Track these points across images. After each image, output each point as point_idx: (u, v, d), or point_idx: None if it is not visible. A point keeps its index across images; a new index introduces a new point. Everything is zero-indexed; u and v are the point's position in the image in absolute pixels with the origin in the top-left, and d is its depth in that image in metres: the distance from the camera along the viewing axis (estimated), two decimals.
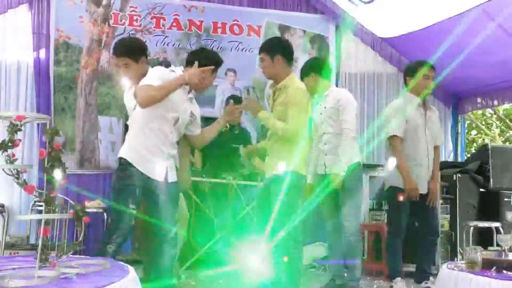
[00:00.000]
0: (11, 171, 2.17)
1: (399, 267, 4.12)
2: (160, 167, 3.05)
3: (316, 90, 3.99)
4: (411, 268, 4.38)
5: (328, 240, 4.25)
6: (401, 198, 3.99)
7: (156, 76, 2.99)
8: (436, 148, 4.23)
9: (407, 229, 4.12)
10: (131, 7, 5.75)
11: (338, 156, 3.87)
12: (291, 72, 3.64)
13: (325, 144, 4.00)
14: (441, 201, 4.84)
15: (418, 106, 4.12)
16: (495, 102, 6.27)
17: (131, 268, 2.28)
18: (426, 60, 4.17)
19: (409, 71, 4.18)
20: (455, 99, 6.56)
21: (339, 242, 4.01)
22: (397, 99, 4.41)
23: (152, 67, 4.47)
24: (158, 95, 2.89)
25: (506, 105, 10.62)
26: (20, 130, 2.19)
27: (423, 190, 4.05)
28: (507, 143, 12.09)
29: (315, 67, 4.10)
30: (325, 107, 4.01)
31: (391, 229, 4.19)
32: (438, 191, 4.34)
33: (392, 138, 4.07)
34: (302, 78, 4.01)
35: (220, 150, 4.85)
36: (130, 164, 2.99)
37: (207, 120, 5.80)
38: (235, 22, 6.03)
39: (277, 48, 3.62)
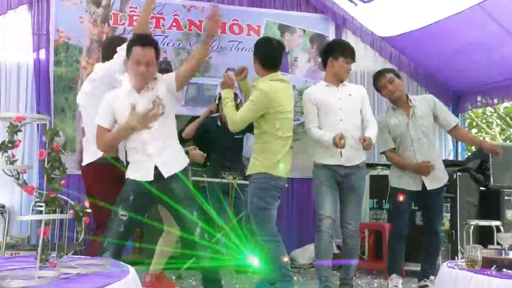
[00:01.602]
0: (12, 171, 2.17)
1: (397, 265, 4.14)
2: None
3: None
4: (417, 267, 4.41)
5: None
6: (401, 198, 3.99)
7: (103, 113, 3.07)
8: (454, 129, 4.16)
9: (411, 229, 4.15)
10: (130, 7, 5.75)
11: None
12: (268, 74, 3.61)
13: None
14: None
15: (395, 111, 4.12)
16: (495, 101, 6.26)
17: (131, 268, 2.28)
18: (386, 68, 4.28)
19: (374, 84, 4.23)
20: (455, 97, 6.56)
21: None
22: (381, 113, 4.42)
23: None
24: (110, 144, 3.10)
25: (506, 104, 10.61)
26: (20, 131, 2.19)
27: (432, 186, 4.05)
28: (508, 142, 12.09)
29: None
30: None
31: (392, 228, 4.22)
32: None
33: (384, 153, 4.17)
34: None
35: (222, 150, 4.87)
36: None
37: (209, 118, 5.86)
38: (235, 21, 6.03)
39: (255, 51, 3.70)
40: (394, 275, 4.11)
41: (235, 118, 3.50)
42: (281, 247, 3.53)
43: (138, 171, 3.08)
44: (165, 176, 3.07)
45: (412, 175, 4.04)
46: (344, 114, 3.78)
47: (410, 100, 4.09)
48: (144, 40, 3.02)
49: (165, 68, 4.42)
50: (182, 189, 3.12)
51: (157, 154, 3.07)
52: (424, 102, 4.14)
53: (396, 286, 4.07)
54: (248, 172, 3.63)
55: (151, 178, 3.05)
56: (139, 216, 3.15)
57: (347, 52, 3.87)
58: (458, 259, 3.32)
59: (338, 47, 3.94)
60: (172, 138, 3.19)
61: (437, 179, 4.08)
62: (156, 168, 3.05)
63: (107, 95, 3.12)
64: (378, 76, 4.17)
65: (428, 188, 4.03)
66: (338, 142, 3.50)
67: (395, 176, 4.11)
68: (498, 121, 12.67)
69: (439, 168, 4.10)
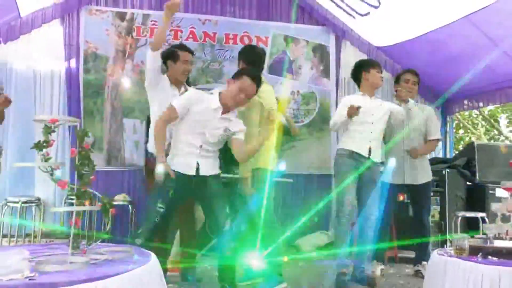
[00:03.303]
0: (46, 168, 2.19)
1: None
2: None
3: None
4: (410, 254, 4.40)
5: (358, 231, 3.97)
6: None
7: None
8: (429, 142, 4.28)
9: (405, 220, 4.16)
10: (151, 21, 5.77)
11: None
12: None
13: None
14: (431, 194, 4.82)
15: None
16: (481, 104, 6.22)
17: (153, 255, 2.29)
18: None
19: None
20: (444, 101, 6.51)
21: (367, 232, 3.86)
22: None
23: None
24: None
25: (491, 107, 10.54)
26: (53, 131, 2.20)
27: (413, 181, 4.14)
28: (492, 141, 11.99)
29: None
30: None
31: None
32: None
33: None
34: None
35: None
36: None
37: None
38: (245, 33, 6.03)
39: (241, 56, 3.71)
40: (374, 262, 4.09)
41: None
42: None
43: (181, 165, 3.08)
44: (203, 174, 3.10)
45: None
46: (374, 118, 3.83)
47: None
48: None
49: None
50: (217, 186, 3.16)
51: (204, 155, 3.10)
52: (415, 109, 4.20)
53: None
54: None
55: (193, 173, 3.07)
56: (175, 210, 3.17)
57: (376, 64, 3.96)
58: (447, 247, 3.30)
59: (366, 62, 4.11)
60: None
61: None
62: (197, 165, 3.09)
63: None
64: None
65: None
66: (351, 108, 3.58)
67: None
68: (483, 122, 12.58)
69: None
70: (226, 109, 3.10)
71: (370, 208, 3.78)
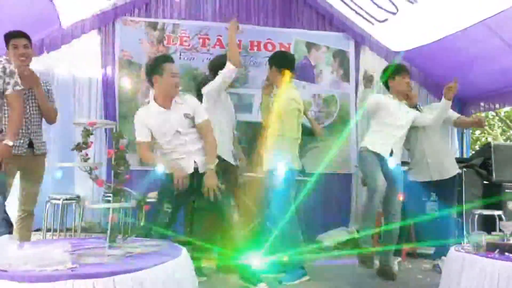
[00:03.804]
0: (85, 168, 2.23)
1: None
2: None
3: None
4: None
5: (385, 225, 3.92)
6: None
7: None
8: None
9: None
10: (181, 30, 5.82)
11: None
12: (287, 82, 3.62)
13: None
14: None
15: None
16: (497, 106, 6.09)
17: (183, 249, 2.31)
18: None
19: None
20: (461, 103, 6.39)
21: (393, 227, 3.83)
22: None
23: (200, 79, 4.53)
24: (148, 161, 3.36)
25: (507, 108, 10.28)
26: (92, 134, 2.26)
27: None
28: (508, 141, 11.71)
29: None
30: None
31: None
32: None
33: None
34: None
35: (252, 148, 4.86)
36: None
37: (246, 124, 5.86)
38: (269, 40, 6.03)
39: (274, 61, 3.69)
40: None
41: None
42: None
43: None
44: (201, 171, 3.13)
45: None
46: (400, 123, 3.82)
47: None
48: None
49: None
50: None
51: (194, 153, 3.14)
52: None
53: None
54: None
55: (191, 171, 3.11)
56: (182, 207, 3.20)
57: (401, 69, 3.87)
58: (464, 244, 3.23)
59: (391, 68, 3.94)
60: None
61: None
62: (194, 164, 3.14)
63: (139, 113, 3.32)
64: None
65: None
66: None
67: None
68: (499, 123, 12.30)
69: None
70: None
71: (394, 206, 3.73)
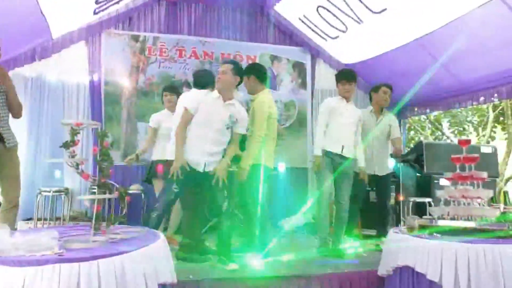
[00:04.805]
0: (72, 163, 2.16)
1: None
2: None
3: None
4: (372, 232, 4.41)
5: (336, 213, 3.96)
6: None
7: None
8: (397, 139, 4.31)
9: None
10: (160, 42, 5.72)
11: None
12: (264, 89, 3.58)
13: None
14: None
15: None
16: (427, 110, 6.27)
17: (161, 234, 2.27)
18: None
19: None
20: (398, 108, 6.56)
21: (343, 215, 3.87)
22: None
23: (178, 86, 4.47)
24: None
25: (435, 113, 10.63)
26: (78, 133, 2.18)
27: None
28: (436, 140, 12.10)
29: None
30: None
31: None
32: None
33: None
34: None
35: None
36: None
37: None
38: (237, 53, 6.01)
39: (250, 71, 3.61)
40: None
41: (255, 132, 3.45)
42: None
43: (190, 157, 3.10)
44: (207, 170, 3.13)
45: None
46: (347, 121, 3.85)
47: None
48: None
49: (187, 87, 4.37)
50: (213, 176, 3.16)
51: (212, 154, 3.13)
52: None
53: None
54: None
55: (202, 169, 3.11)
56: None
57: (339, 77, 3.94)
58: (401, 226, 3.32)
59: (339, 75, 3.98)
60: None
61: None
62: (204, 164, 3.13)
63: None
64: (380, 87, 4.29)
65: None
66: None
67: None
68: (430, 125, 12.70)
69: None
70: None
71: (343, 196, 3.79)
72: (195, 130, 3.11)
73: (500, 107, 10.89)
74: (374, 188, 4.42)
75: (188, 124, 3.12)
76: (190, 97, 3.26)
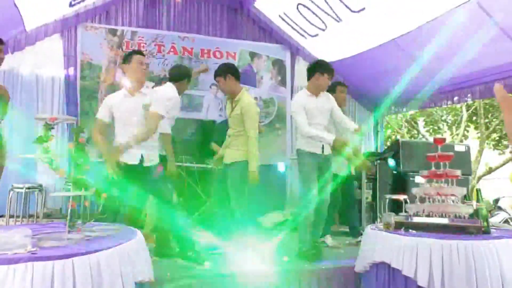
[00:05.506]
0: (45, 159, 2.10)
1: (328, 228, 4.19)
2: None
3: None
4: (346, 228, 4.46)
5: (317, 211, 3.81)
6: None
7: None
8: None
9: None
10: (139, 37, 5.63)
11: None
12: (241, 88, 3.60)
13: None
14: (366, 180, 4.92)
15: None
16: (404, 109, 6.39)
17: (138, 232, 2.24)
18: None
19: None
20: (375, 106, 6.65)
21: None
22: None
23: (155, 82, 4.42)
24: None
25: (411, 111, 10.84)
26: (52, 128, 2.13)
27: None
28: (412, 139, 12.34)
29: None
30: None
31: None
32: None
33: None
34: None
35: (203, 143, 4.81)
36: None
37: (196, 122, 5.80)
38: (217, 49, 5.97)
39: (228, 70, 3.58)
40: (327, 236, 4.16)
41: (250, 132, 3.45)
42: None
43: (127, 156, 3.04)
44: (145, 164, 3.06)
45: None
46: (321, 119, 3.76)
47: None
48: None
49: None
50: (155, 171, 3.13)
51: (143, 146, 3.04)
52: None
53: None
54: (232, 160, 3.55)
55: (136, 162, 3.04)
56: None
57: (330, 70, 3.81)
58: (377, 223, 3.37)
59: (324, 66, 3.80)
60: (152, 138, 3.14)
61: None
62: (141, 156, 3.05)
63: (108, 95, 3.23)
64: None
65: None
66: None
67: None
68: (406, 124, 12.93)
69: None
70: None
71: (325, 191, 3.81)
72: (120, 130, 3.09)
73: (473, 107, 11.21)
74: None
75: (101, 131, 3.12)
76: (101, 106, 3.19)
